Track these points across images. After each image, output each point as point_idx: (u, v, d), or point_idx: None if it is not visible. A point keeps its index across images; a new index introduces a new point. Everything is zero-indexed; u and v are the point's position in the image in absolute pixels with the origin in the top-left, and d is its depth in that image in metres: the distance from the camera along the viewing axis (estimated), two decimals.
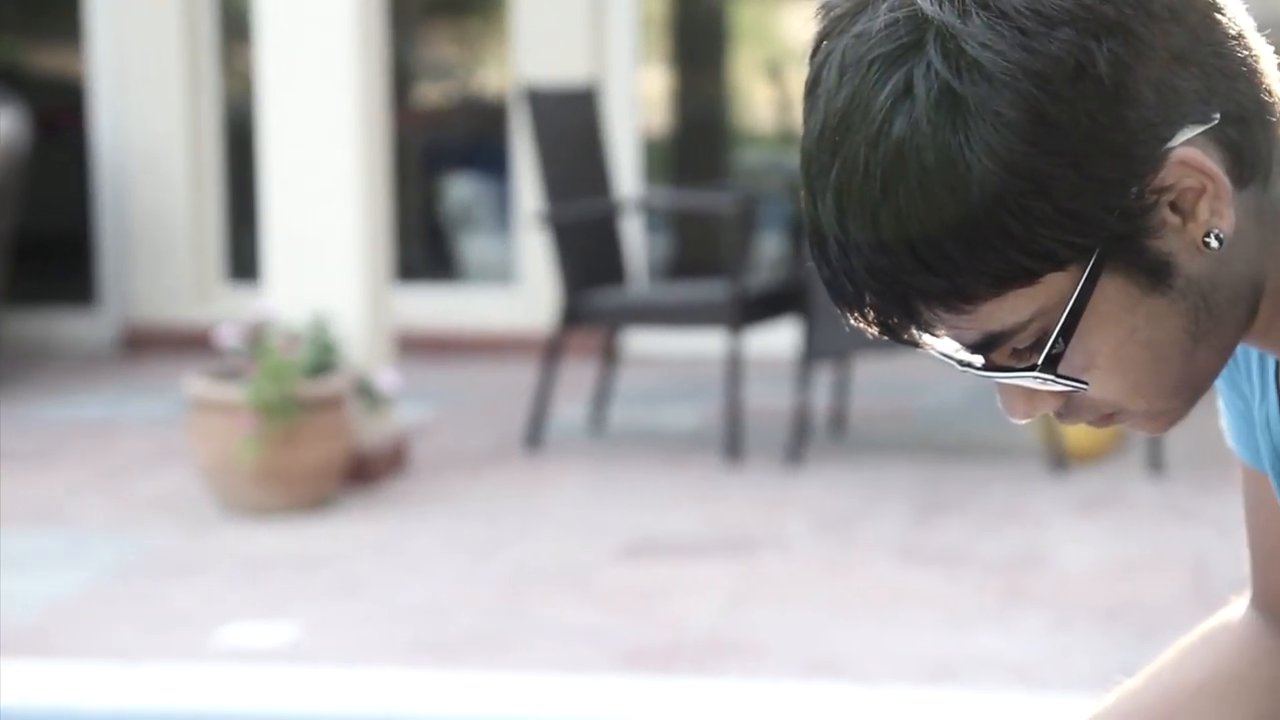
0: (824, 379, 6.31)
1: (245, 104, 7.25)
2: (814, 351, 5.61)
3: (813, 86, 1.16)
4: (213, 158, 7.89)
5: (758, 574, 4.48)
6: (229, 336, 5.21)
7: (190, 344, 7.38)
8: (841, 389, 6.05)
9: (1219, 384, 1.37)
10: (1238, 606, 1.48)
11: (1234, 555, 1.46)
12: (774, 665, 3.79)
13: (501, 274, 7.99)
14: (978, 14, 1.11)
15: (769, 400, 6.25)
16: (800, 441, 5.60)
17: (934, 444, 5.90)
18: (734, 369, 5.63)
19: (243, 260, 7.75)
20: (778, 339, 6.83)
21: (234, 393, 5.03)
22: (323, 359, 5.22)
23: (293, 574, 4.54)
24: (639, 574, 4.50)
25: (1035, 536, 4.77)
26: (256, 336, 5.22)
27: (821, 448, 5.79)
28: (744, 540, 4.77)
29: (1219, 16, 1.15)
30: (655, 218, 8.07)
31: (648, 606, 4.23)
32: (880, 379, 6.66)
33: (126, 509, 5.19)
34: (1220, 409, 1.40)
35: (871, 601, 4.25)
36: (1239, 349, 1.30)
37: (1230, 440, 1.41)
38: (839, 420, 6.05)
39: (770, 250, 8.17)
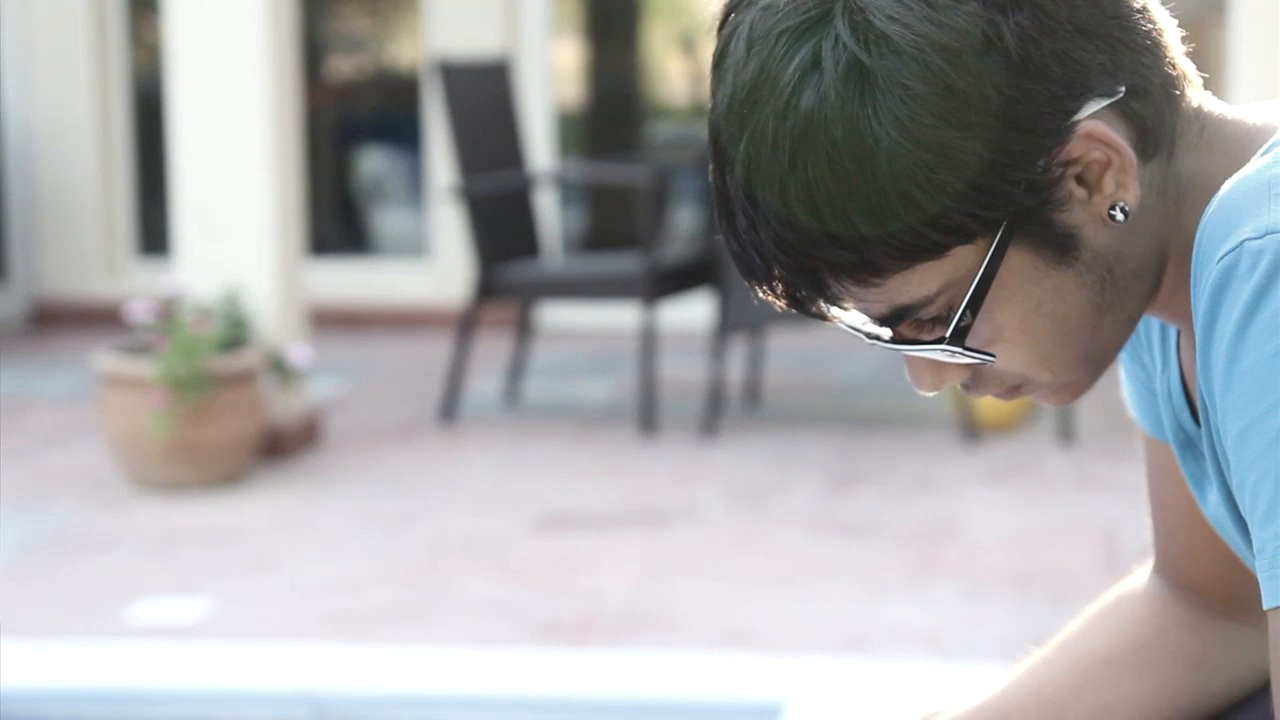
0: (738, 351, 6.32)
1: (154, 76, 7.19)
2: (728, 324, 5.62)
3: (721, 59, 1.15)
4: (121, 130, 7.81)
5: (672, 546, 4.49)
6: (139, 311, 5.17)
7: (100, 319, 7.31)
8: (755, 361, 6.07)
9: (1121, 354, 1.38)
10: (1140, 574, 1.49)
11: (1144, 524, 1.48)
12: (689, 636, 3.80)
13: (415, 248, 7.95)
14: None
15: (683, 372, 6.26)
16: (714, 414, 5.61)
17: (847, 415, 5.92)
18: (648, 342, 5.63)
19: (153, 234, 7.69)
20: (692, 312, 6.84)
21: (144, 368, 4.99)
22: (234, 334, 5.19)
23: (205, 549, 4.52)
24: (554, 547, 4.50)
25: (947, 506, 4.80)
26: (167, 311, 5.18)
27: (736, 420, 5.80)
28: (658, 512, 4.78)
29: None
30: (569, 191, 8.06)
31: (562, 579, 4.23)
32: (794, 351, 6.68)
33: (36, 485, 5.14)
34: (1122, 379, 1.41)
35: (785, 572, 4.26)
36: (1140, 320, 1.32)
37: (1132, 410, 1.42)
38: (753, 392, 6.06)
39: (684, 223, 8.18)
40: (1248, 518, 1.10)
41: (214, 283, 5.30)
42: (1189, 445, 1.31)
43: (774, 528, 4.65)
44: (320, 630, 3.87)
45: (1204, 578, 1.43)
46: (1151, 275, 1.19)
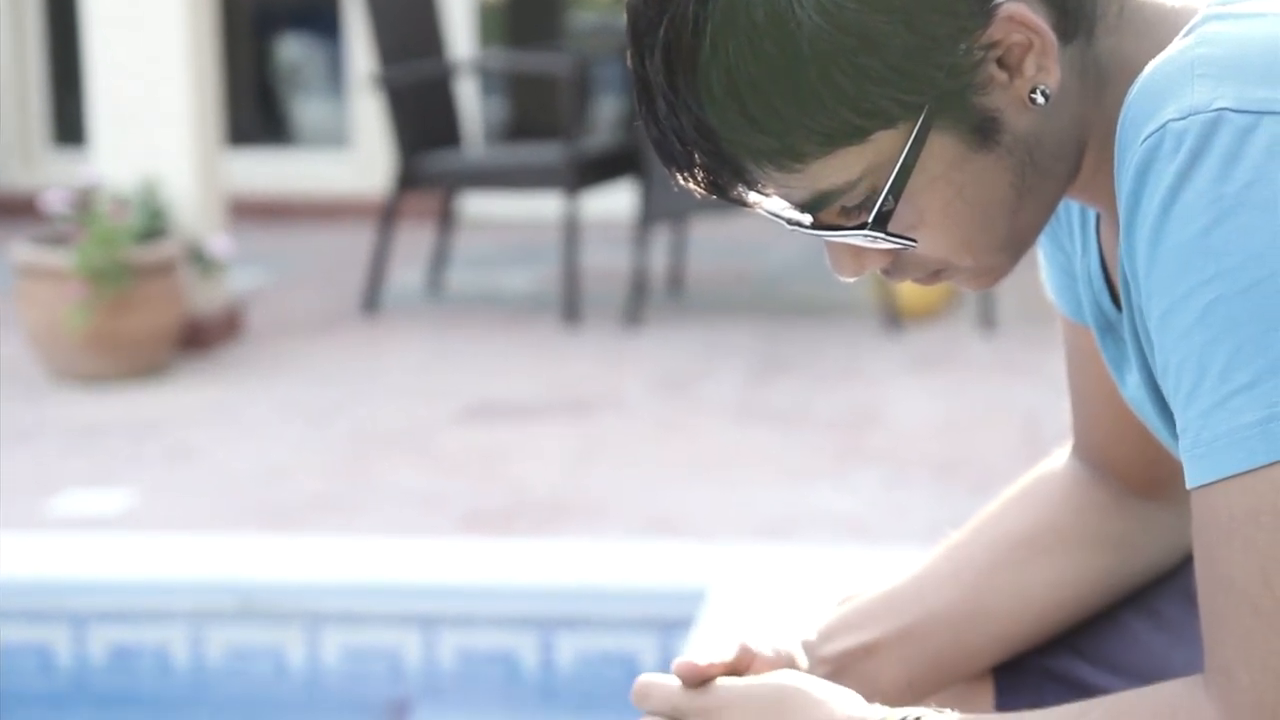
0: (661, 240, 6.31)
1: None
2: (651, 213, 5.61)
3: None
4: (35, 18, 7.69)
5: (597, 435, 4.50)
6: (55, 202, 5.11)
7: (15, 210, 7.22)
8: (679, 250, 6.06)
9: (1040, 238, 1.39)
10: (1058, 457, 1.50)
11: (1064, 410, 1.49)
12: (614, 524, 3.82)
13: (335, 137, 7.89)
14: None
15: (607, 262, 6.25)
16: (638, 303, 5.61)
17: (771, 304, 5.94)
18: (571, 232, 5.62)
19: (68, 124, 7.59)
20: (615, 201, 6.82)
21: (62, 259, 4.94)
22: (153, 224, 5.14)
23: (127, 441, 4.50)
24: (478, 437, 4.51)
25: (870, 394, 4.83)
26: (84, 202, 5.12)
27: (659, 309, 5.80)
28: (583, 402, 4.79)
29: None
30: (490, 80, 8.00)
31: (487, 469, 4.24)
32: (717, 240, 6.68)
33: None
34: (1040, 262, 1.42)
35: (709, 460, 4.29)
36: (1060, 205, 1.32)
37: (1051, 294, 1.43)
38: (676, 281, 6.06)
39: (606, 112, 8.14)
40: (1170, 399, 1.10)
41: (131, 173, 5.24)
42: (1109, 329, 1.31)
43: (698, 416, 4.66)
44: (245, 520, 3.87)
45: (1122, 460, 1.44)
46: (1072, 158, 1.19)
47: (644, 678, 1.29)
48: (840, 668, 1.39)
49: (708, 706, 1.25)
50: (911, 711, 1.20)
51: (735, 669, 1.30)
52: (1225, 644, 1.07)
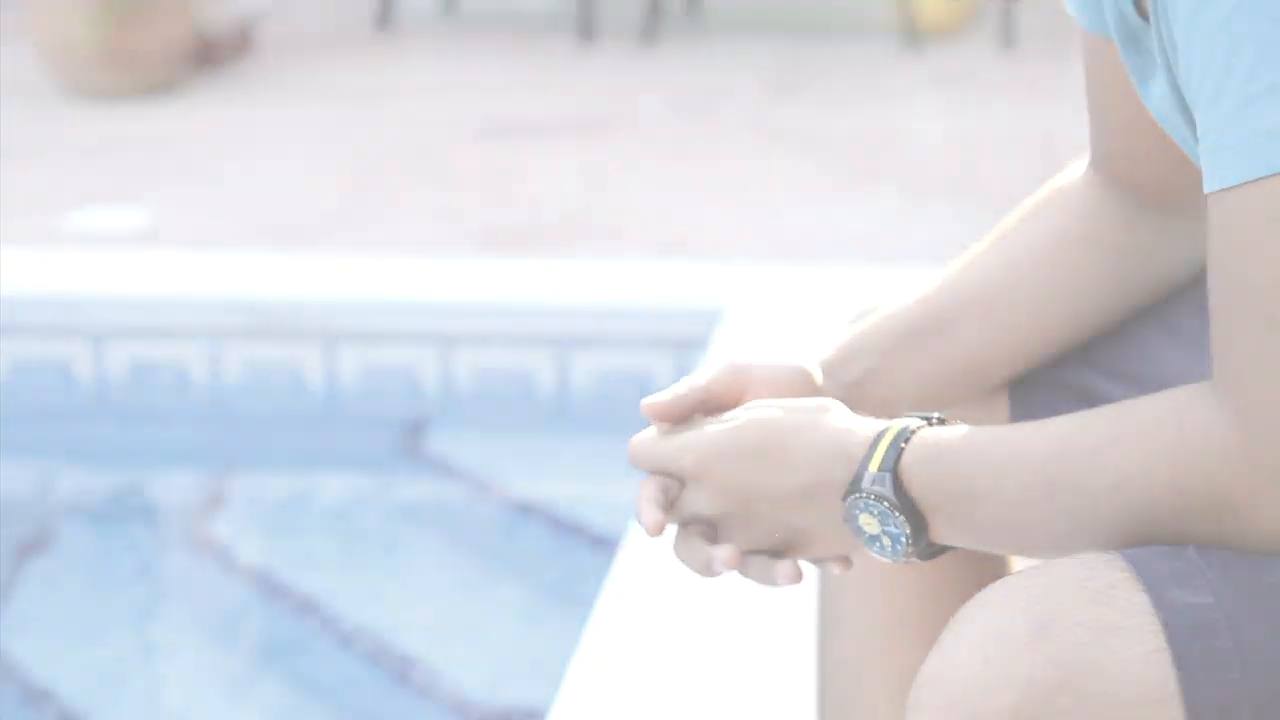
0: None
1: None
2: None
3: None
4: None
5: (612, 154, 4.48)
6: None
7: None
8: None
9: None
10: (1075, 169, 1.48)
11: (1083, 129, 1.47)
12: (629, 244, 3.82)
13: None
14: None
15: None
16: (654, 20, 5.54)
17: (788, 22, 5.86)
18: None
19: None
20: None
21: None
22: None
23: (141, 158, 4.49)
24: (493, 155, 4.49)
25: (888, 113, 4.79)
26: None
27: (676, 27, 5.73)
28: (598, 121, 4.76)
29: None
30: None
31: (502, 187, 4.23)
32: None
33: None
34: None
35: (725, 180, 4.27)
36: None
37: (1070, 6, 1.40)
38: None
39: None
40: (1193, 103, 1.08)
41: None
42: (1132, 39, 1.29)
43: (714, 136, 4.64)
44: (260, 238, 3.88)
45: (1139, 171, 1.43)
46: None
47: (634, 439, 1.24)
48: (855, 391, 1.39)
49: (689, 464, 1.20)
50: (910, 421, 1.18)
51: (719, 393, 1.26)
52: (1235, 350, 1.07)
